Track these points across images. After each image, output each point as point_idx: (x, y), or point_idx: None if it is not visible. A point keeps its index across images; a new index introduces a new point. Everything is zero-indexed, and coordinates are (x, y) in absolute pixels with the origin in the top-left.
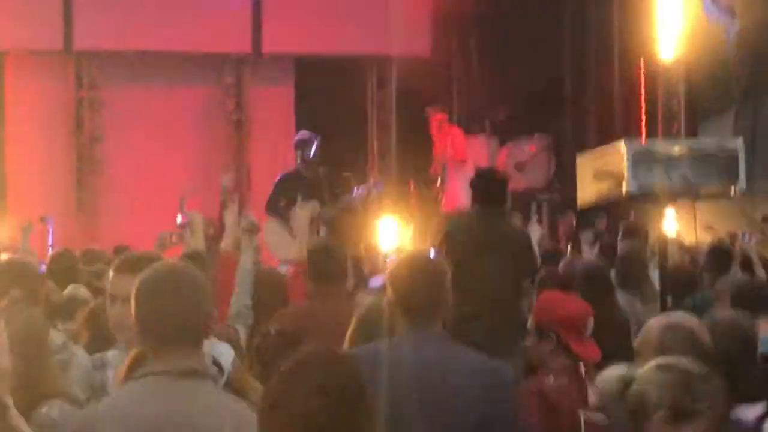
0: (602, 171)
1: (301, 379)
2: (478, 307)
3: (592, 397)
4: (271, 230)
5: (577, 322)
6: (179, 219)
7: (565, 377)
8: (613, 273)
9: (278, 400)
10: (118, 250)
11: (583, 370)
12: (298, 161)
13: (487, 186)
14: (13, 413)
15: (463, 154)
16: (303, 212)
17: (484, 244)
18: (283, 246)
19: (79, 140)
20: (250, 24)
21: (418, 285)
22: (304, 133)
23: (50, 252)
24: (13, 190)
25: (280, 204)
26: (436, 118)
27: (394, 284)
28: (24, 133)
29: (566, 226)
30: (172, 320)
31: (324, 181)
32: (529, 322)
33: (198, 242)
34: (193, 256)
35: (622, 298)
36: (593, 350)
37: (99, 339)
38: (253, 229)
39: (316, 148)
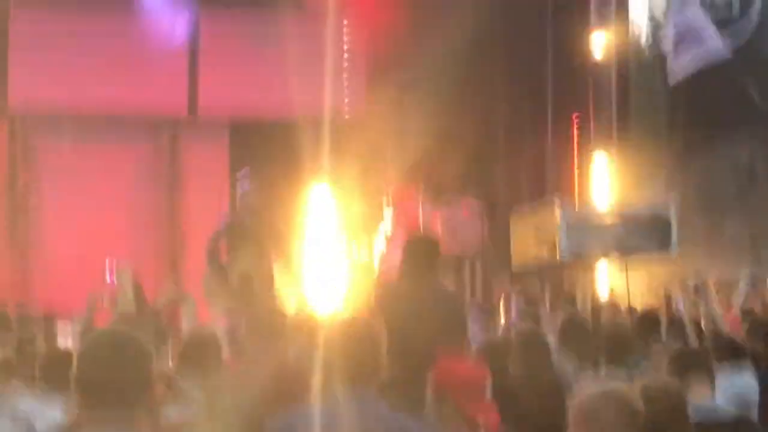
0: (536, 235)
1: None
2: (412, 372)
3: None
4: (210, 283)
5: (474, 387)
6: (108, 276)
7: None
8: (553, 338)
9: None
10: (47, 319)
11: None
12: (239, 207)
13: (419, 251)
14: None
15: (416, 226)
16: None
17: (416, 309)
18: (220, 297)
19: (13, 199)
20: (186, 86)
21: (353, 349)
22: (242, 176)
23: None
24: None
25: (218, 252)
26: (398, 187)
27: (329, 347)
28: None
29: (501, 289)
30: (113, 385)
31: (264, 229)
32: (429, 386)
33: (128, 303)
34: (125, 319)
35: (561, 362)
36: (492, 415)
37: None
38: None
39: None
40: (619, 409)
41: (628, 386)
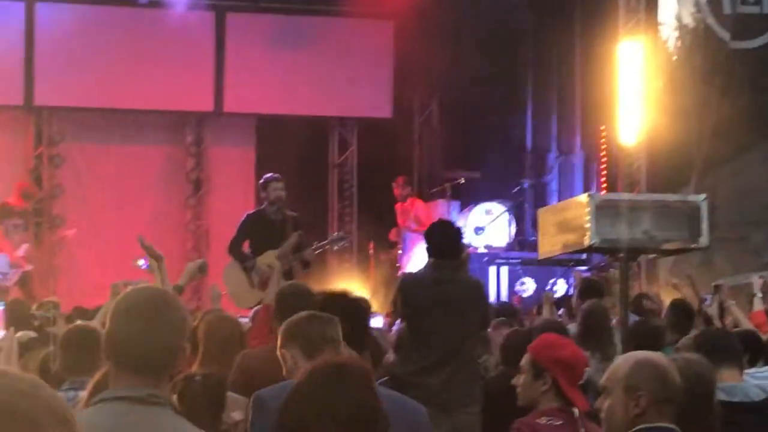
0: (564, 223)
1: None
2: (434, 359)
3: None
4: (230, 276)
5: (576, 367)
6: (141, 262)
7: (559, 419)
8: (574, 329)
9: None
10: (77, 310)
11: (576, 414)
12: (265, 203)
13: (442, 238)
14: None
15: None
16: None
17: (439, 296)
18: (243, 294)
19: (38, 196)
20: (213, 83)
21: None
22: (270, 174)
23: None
24: None
25: (241, 247)
26: (400, 188)
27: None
28: None
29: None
30: (142, 344)
31: (289, 224)
32: (525, 359)
33: (164, 283)
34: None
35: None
36: (583, 400)
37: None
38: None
39: (281, 189)
40: (656, 379)
41: (666, 358)
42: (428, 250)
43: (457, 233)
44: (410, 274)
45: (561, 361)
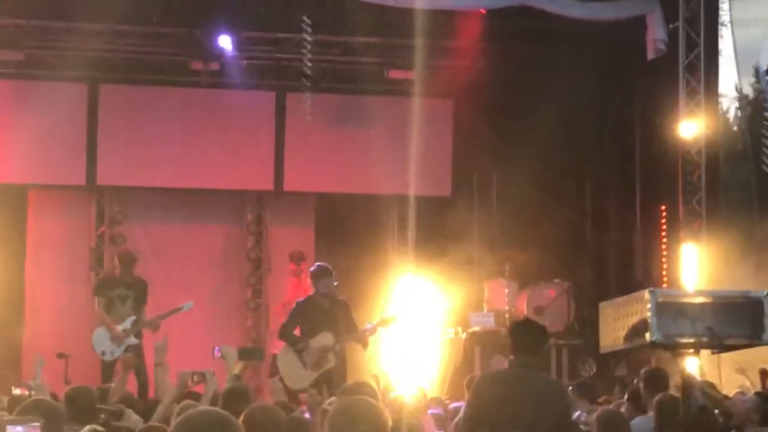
0: (626, 318)
1: None
2: None
3: None
4: (284, 359)
5: None
6: (215, 352)
7: None
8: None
9: None
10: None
11: None
12: (315, 290)
13: (526, 335)
14: None
15: (503, 306)
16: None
17: (521, 402)
18: (297, 376)
19: (99, 275)
20: (273, 162)
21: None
22: (321, 265)
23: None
24: (31, 325)
25: (293, 332)
26: (296, 267)
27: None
28: (44, 267)
29: (586, 372)
30: None
31: (339, 312)
32: None
33: (234, 379)
34: (235, 392)
35: None
36: None
37: None
38: None
39: (332, 282)
40: None
41: None
42: (512, 345)
43: (543, 332)
44: (488, 374)
45: None
